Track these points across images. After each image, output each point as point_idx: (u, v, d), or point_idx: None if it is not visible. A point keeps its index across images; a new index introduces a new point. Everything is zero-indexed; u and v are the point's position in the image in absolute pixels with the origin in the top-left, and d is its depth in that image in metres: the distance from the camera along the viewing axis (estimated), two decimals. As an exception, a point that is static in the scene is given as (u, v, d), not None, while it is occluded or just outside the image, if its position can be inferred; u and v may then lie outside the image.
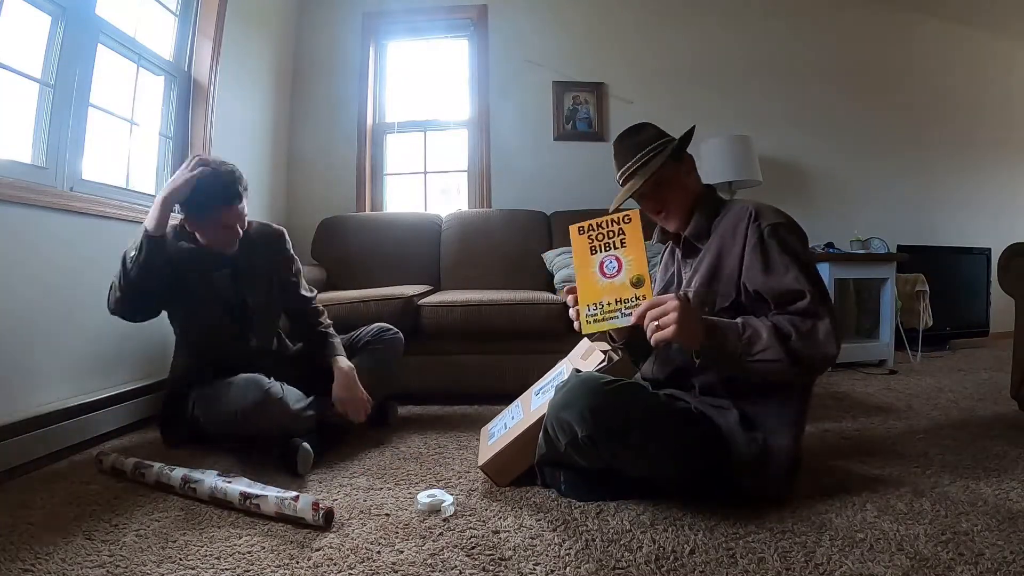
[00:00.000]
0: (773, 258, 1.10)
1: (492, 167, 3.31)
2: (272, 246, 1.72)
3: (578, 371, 1.31)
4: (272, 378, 1.48)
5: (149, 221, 1.39)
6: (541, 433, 1.21)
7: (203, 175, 1.44)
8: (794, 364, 1.01)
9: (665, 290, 1.35)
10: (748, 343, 1.02)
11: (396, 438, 1.68)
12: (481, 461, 1.32)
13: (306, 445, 1.38)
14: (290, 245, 1.78)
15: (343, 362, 1.66)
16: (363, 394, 1.62)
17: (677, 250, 1.33)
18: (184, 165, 1.46)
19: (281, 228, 1.77)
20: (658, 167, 1.20)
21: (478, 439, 1.55)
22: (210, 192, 1.45)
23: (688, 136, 1.28)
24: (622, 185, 1.27)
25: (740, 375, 1.09)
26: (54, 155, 1.70)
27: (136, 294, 1.42)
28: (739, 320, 1.06)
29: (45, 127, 1.69)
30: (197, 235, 1.54)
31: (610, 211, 1.15)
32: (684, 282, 1.27)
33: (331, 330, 1.77)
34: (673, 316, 0.97)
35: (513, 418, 1.39)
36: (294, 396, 1.48)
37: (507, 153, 3.30)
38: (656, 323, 0.99)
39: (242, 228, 1.55)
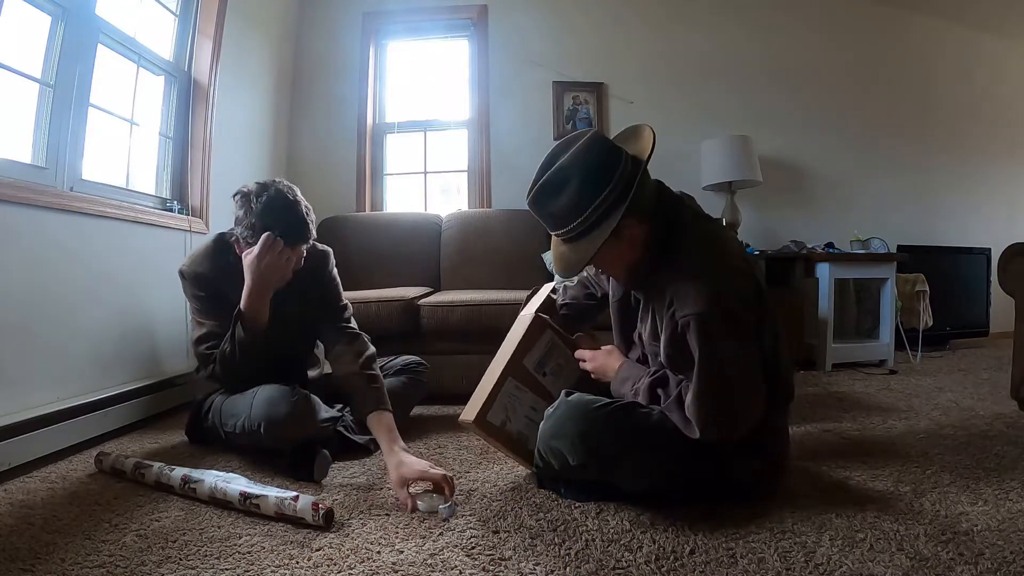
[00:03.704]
0: (686, 349, 1.05)
1: (492, 167, 3.30)
2: (318, 269, 1.61)
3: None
4: (296, 386, 1.43)
5: (249, 309, 1.39)
6: (536, 453, 1.21)
7: (278, 198, 1.37)
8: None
9: (620, 311, 1.31)
10: (635, 395, 1.20)
11: (396, 438, 1.68)
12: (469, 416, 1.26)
13: (325, 452, 1.36)
14: (333, 265, 1.66)
15: (402, 452, 1.26)
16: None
17: None
18: (262, 242, 1.35)
19: (326, 249, 1.65)
20: (589, 256, 1.07)
21: (478, 439, 1.54)
22: (281, 220, 1.37)
23: (626, 209, 1.03)
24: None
25: None
26: (54, 155, 1.70)
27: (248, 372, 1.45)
28: (645, 379, 1.19)
29: (45, 127, 1.69)
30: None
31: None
32: (637, 326, 1.25)
33: (376, 369, 1.49)
34: (593, 365, 1.33)
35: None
36: (320, 406, 1.45)
37: (507, 153, 3.29)
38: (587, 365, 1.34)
39: (296, 269, 1.45)
